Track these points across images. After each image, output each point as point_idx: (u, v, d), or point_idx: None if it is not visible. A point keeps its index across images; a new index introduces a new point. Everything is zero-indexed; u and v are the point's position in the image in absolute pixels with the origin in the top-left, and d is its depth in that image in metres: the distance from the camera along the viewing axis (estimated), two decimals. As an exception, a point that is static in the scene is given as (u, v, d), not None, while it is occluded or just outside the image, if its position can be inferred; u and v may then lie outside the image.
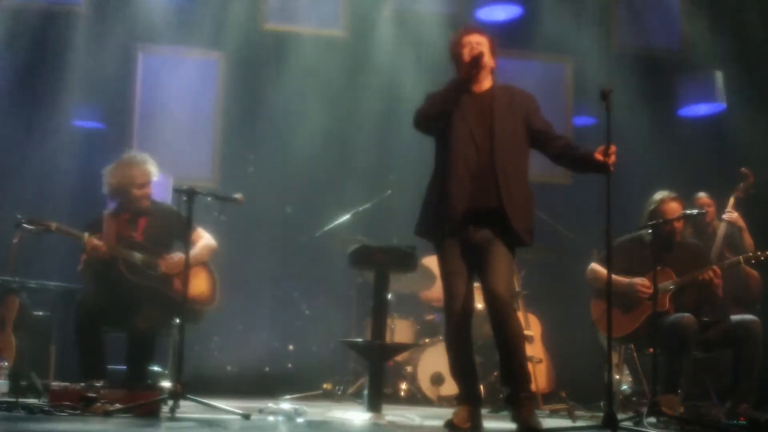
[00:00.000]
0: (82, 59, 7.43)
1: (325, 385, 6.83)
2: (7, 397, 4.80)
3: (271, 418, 4.59)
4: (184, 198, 4.64)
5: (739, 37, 7.91)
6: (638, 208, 5.60)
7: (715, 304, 5.36)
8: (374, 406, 4.97)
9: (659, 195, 5.48)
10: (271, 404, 4.94)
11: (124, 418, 4.23)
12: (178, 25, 7.58)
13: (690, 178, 6.90)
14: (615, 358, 5.78)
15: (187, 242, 4.76)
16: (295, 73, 7.77)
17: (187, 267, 4.68)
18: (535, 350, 6.60)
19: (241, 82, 7.84)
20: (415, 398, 6.71)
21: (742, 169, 6.19)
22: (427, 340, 6.88)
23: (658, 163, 7.45)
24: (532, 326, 6.81)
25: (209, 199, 4.80)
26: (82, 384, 4.57)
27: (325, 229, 6.84)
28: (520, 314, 6.63)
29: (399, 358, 6.69)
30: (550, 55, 8.27)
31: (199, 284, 5.31)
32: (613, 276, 4.49)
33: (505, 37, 5.61)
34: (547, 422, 4.98)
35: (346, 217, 6.80)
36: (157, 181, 5.48)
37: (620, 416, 4.21)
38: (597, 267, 5.50)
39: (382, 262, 5.19)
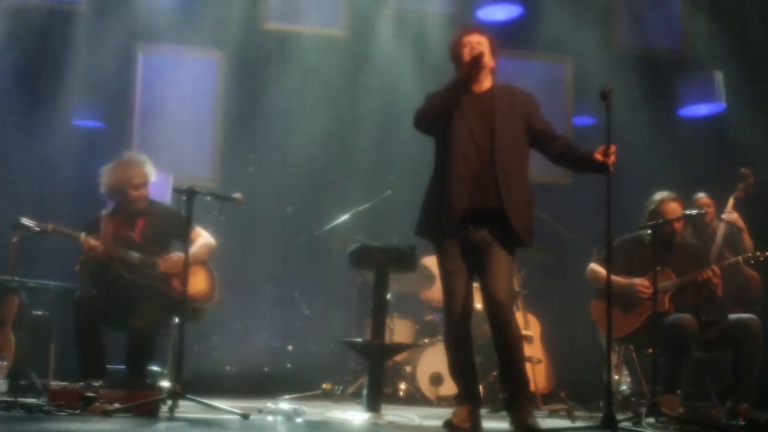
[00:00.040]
0: (82, 58, 7.42)
1: (324, 385, 6.83)
2: (6, 397, 4.80)
3: (270, 418, 4.59)
4: (184, 198, 4.64)
5: (740, 37, 7.91)
6: (638, 208, 5.60)
7: (715, 304, 5.36)
8: (373, 406, 4.97)
9: (659, 195, 5.49)
10: (270, 404, 4.94)
11: (123, 418, 4.23)
12: (179, 25, 7.57)
13: (690, 178, 6.90)
14: (614, 359, 5.78)
15: (186, 242, 4.76)
16: (295, 73, 7.77)
17: (186, 266, 4.68)
18: (534, 350, 6.59)
19: (242, 81, 7.84)
20: (415, 398, 6.71)
21: (742, 169, 6.19)
22: (426, 340, 6.88)
23: (658, 163, 7.44)
24: (531, 326, 6.81)
25: (209, 198, 4.80)
26: (82, 383, 4.57)
27: (325, 228, 6.84)
28: (520, 314, 6.65)
29: (398, 358, 6.69)
30: (550, 55, 8.27)
31: (198, 282, 5.31)
32: (613, 276, 4.49)
33: (505, 37, 5.61)
34: (547, 422, 4.99)
35: (345, 217, 6.79)
36: (157, 180, 5.48)
37: (619, 417, 4.21)
38: (597, 267, 5.50)
39: (382, 262, 5.19)
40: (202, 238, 5.39)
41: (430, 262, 6.11)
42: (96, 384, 4.52)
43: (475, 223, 4.28)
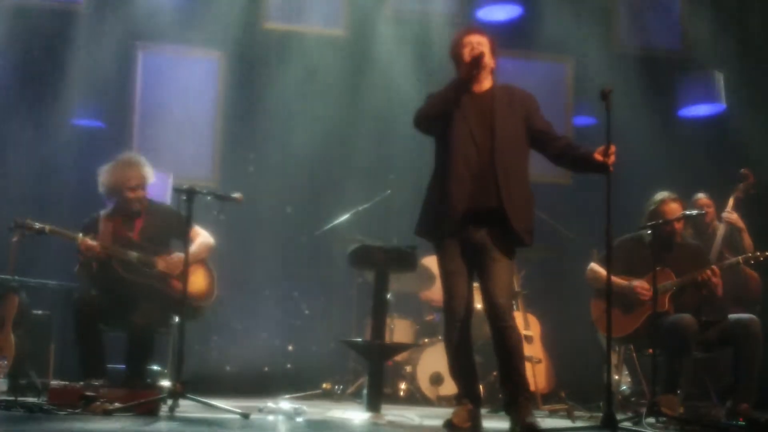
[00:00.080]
0: (82, 58, 7.42)
1: (324, 385, 6.83)
2: (6, 396, 4.80)
3: (270, 418, 4.59)
4: (184, 197, 4.65)
5: (740, 38, 7.91)
6: (638, 208, 5.60)
7: (715, 304, 5.36)
8: (373, 405, 4.97)
9: (660, 195, 5.49)
10: (270, 404, 4.95)
11: (123, 417, 4.22)
12: (179, 24, 7.56)
13: (690, 178, 6.90)
14: (614, 359, 5.78)
15: (186, 241, 4.76)
16: (295, 73, 7.76)
17: (186, 266, 4.68)
18: (534, 350, 6.59)
19: (242, 81, 7.84)
20: (415, 398, 6.71)
21: (742, 169, 6.19)
22: (426, 340, 6.88)
23: (658, 164, 7.44)
24: (531, 326, 6.81)
25: (209, 198, 4.80)
26: (82, 383, 4.57)
27: (325, 228, 6.84)
28: (520, 314, 6.65)
29: (398, 357, 6.69)
30: (550, 55, 8.27)
31: (197, 281, 5.31)
32: (613, 278, 4.49)
33: (505, 37, 5.62)
34: (547, 422, 4.99)
35: (346, 216, 6.79)
36: (157, 180, 5.48)
37: (619, 416, 4.21)
38: (597, 267, 5.50)
39: (382, 261, 5.20)
40: (201, 237, 5.39)
41: (430, 262, 6.11)
42: (96, 383, 4.52)
43: (475, 223, 4.28)
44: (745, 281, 5.99)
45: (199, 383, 5.43)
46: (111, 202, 5.27)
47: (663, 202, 5.44)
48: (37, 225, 5.03)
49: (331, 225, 6.82)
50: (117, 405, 4.31)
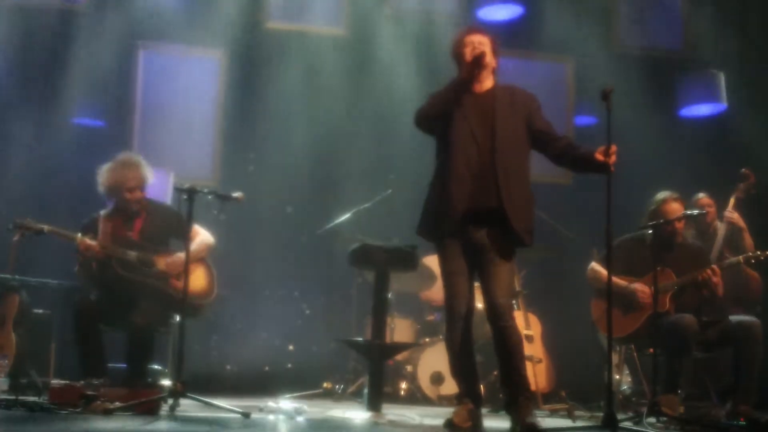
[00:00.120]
0: (83, 57, 7.42)
1: (325, 384, 6.83)
2: (7, 395, 4.79)
3: (271, 417, 4.59)
4: (185, 197, 4.65)
5: (741, 38, 7.91)
6: (638, 208, 5.60)
7: (715, 304, 5.36)
8: (374, 405, 4.98)
9: (661, 195, 5.49)
10: (271, 403, 4.95)
11: (124, 416, 4.23)
12: (180, 23, 7.56)
13: (691, 178, 6.89)
14: (615, 358, 5.78)
15: (186, 241, 4.76)
16: (296, 72, 7.76)
17: (186, 266, 4.68)
18: (535, 350, 6.59)
19: (243, 80, 7.83)
20: (415, 397, 6.71)
21: (743, 169, 6.18)
22: (427, 340, 6.88)
23: (659, 164, 7.44)
24: (532, 326, 6.81)
25: (209, 197, 4.80)
26: (82, 382, 4.57)
27: (326, 228, 6.84)
28: (521, 314, 6.64)
29: (399, 357, 6.69)
30: (551, 54, 8.27)
31: (197, 279, 5.31)
32: (614, 278, 4.49)
33: (506, 36, 5.61)
34: (547, 422, 4.99)
35: (346, 216, 6.79)
36: (157, 179, 5.49)
37: (620, 416, 4.21)
38: (597, 267, 5.50)
39: (382, 261, 5.20)
40: (201, 236, 5.39)
41: (431, 261, 6.11)
42: (97, 382, 4.52)
43: (476, 223, 4.28)
44: (745, 281, 5.99)
45: (199, 382, 5.44)
46: (111, 201, 5.28)
47: (664, 201, 5.44)
48: (37, 225, 5.04)
49: (332, 225, 6.81)
50: (117, 404, 4.31)
